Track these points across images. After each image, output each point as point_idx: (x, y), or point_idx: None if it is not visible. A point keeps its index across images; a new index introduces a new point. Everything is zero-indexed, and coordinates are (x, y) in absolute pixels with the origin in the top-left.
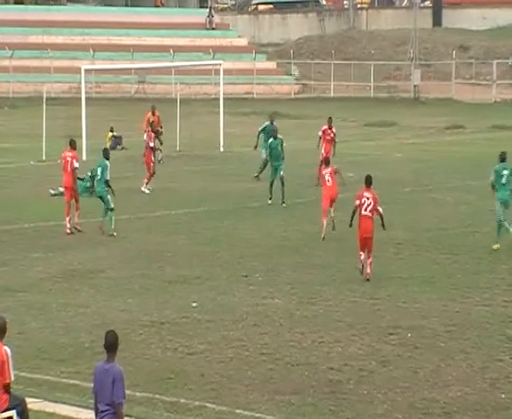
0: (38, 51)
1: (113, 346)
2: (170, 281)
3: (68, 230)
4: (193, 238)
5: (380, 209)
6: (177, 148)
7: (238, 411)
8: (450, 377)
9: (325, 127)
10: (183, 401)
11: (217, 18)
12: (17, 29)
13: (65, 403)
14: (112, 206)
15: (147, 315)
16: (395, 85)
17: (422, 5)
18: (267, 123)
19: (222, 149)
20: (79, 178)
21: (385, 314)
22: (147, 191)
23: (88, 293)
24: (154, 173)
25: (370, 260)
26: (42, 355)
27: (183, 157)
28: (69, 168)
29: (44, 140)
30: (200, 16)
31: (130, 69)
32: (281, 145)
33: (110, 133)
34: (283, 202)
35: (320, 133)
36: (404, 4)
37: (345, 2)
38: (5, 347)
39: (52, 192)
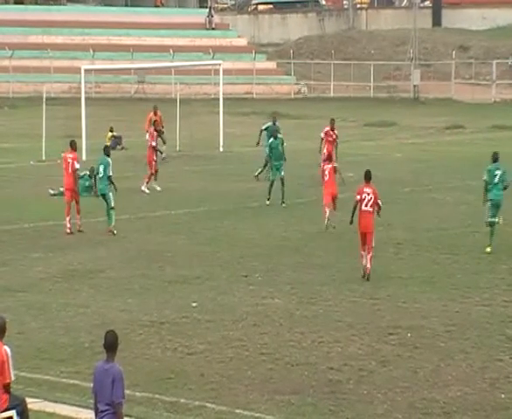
0: (37, 51)
1: (112, 346)
2: (170, 281)
3: (68, 230)
4: (193, 238)
5: (380, 202)
6: (177, 148)
7: (237, 411)
8: (450, 377)
9: (327, 128)
10: (182, 401)
11: (216, 18)
12: (16, 29)
13: (65, 403)
14: (113, 204)
15: (147, 315)
16: (395, 86)
17: (422, 5)
18: (270, 123)
19: (222, 149)
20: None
21: (385, 314)
22: (147, 191)
23: (88, 293)
24: (156, 171)
25: (370, 255)
26: (42, 355)
27: (182, 157)
28: (70, 170)
29: (43, 140)
30: (200, 16)
31: (130, 69)
32: (282, 144)
33: (110, 134)
34: (283, 203)
35: (322, 135)
36: (403, 4)
37: (345, 2)
38: (5, 347)
39: (52, 192)
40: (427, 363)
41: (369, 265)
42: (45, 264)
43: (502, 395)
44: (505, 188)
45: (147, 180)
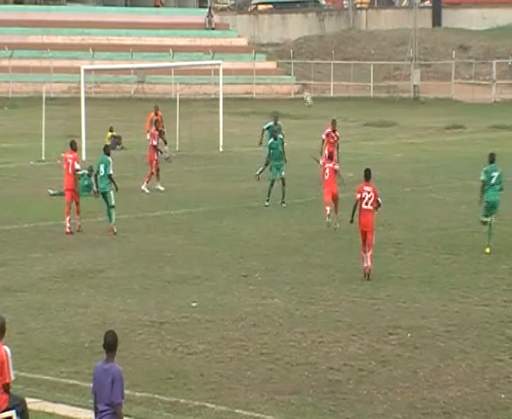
0: (37, 51)
1: (112, 346)
2: (170, 281)
3: (68, 229)
4: (193, 238)
5: (380, 199)
6: (177, 148)
7: (237, 411)
8: (450, 377)
9: (328, 130)
10: (182, 401)
11: (216, 18)
12: (16, 29)
13: (64, 403)
14: (113, 203)
15: (146, 315)
16: (395, 85)
17: (422, 5)
18: (271, 123)
19: (221, 149)
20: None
21: (385, 314)
22: (147, 190)
23: (88, 293)
24: (158, 170)
25: (370, 253)
26: (41, 355)
27: (182, 157)
28: (70, 170)
29: (43, 140)
30: (200, 16)
31: (130, 69)
32: (282, 145)
33: (109, 133)
34: (283, 202)
35: (323, 137)
36: (403, 4)
37: (345, 2)
38: (5, 347)
39: (52, 192)
40: (427, 363)
41: (369, 263)
42: (45, 264)
43: (502, 395)
44: (500, 190)
45: (147, 179)
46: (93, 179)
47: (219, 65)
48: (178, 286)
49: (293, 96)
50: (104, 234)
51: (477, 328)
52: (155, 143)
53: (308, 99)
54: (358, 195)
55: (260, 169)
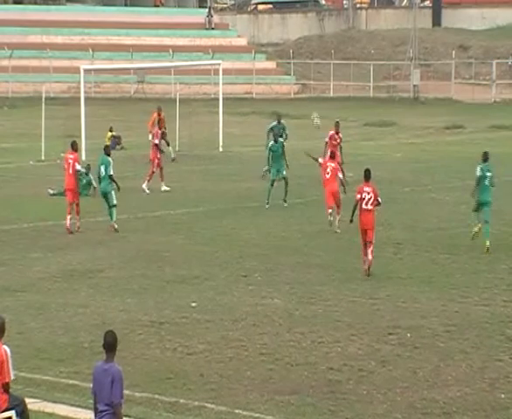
0: (37, 50)
1: (112, 346)
2: (169, 281)
3: (68, 226)
4: (192, 238)
5: (380, 199)
6: (177, 148)
7: (237, 411)
8: (449, 377)
9: (332, 132)
10: (182, 401)
11: (216, 18)
12: (16, 28)
13: (64, 403)
14: (115, 202)
15: (146, 315)
16: (394, 85)
17: (422, 5)
18: (274, 123)
19: (221, 149)
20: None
21: (385, 314)
22: (147, 190)
23: (87, 293)
24: (162, 170)
25: (371, 248)
26: (41, 355)
27: (182, 157)
28: (71, 171)
29: (43, 139)
30: (199, 16)
31: (129, 69)
32: (283, 148)
33: (109, 133)
34: (285, 201)
35: (326, 139)
36: (403, 4)
37: (345, 1)
38: (5, 347)
39: (52, 192)
40: (427, 363)
41: (370, 257)
42: (44, 263)
43: (502, 395)
44: (492, 186)
45: (148, 178)
46: (91, 175)
47: (219, 64)
48: (178, 286)
49: (292, 96)
50: (104, 234)
51: (477, 328)
52: (156, 142)
53: (317, 120)
54: (358, 196)
55: (267, 167)
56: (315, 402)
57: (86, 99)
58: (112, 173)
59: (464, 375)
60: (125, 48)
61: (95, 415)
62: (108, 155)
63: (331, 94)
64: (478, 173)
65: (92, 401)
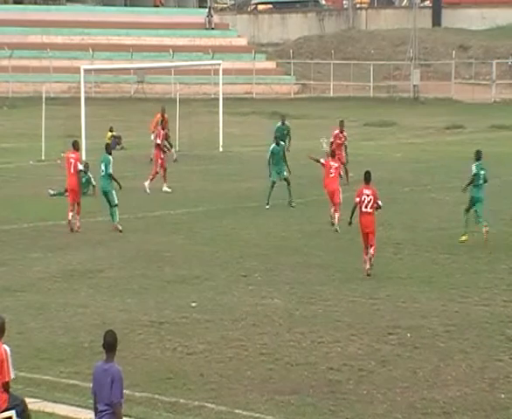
0: (37, 50)
1: (112, 346)
2: (169, 281)
3: (70, 219)
4: (192, 238)
5: (380, 202)
6: (177, 148)
7: (237, 411)
8: (449, 377)
9: (336, 131)
10: (182, 401)
11: (216, 18)
12: (16, 28)
13: (64, 403)
14: (116, 202)
15: (146, 315)
16: (394, 85)
17: (422, 5)
18: (279, 124)
19: (221, 149)
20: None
21: (385, 314)
22: (148, 190)
23: (87, 293)
24: (165, 171)
25: (373, 248)
26: (41, 355)
27: (182, 157)
28: (72, 170)
29: (43, 139)
30: (199, 16)
31: (129, 69)
32: (283, 151)
33: (109, 133)
34: (291, 203)
35: (331, 139)
36: (403, 4)
37: (344, 2)
38: (4, 346)
39: (52, 192)
40: (427, 363)
41: (372, 252)
42: (45, 263)
43: (502, 395)
44: (485, 182)
45: (151, 177)
46: (89, 174)
47: (219, 64)
48: (178, 286)
49: (292, 96)
50: (104, 234)
51: (477, 328)
52: (158, 141)
53: (325, 145)
54: (357, 199)
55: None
56: (315, 402)
57: (87, 99)
58: (111, 172)
59: (464, 375)
60: (125, 48)
61: (95, 415)
62: (110, 154)
63: (331, 94)
64: (474, 170)
65: (92, 400)
